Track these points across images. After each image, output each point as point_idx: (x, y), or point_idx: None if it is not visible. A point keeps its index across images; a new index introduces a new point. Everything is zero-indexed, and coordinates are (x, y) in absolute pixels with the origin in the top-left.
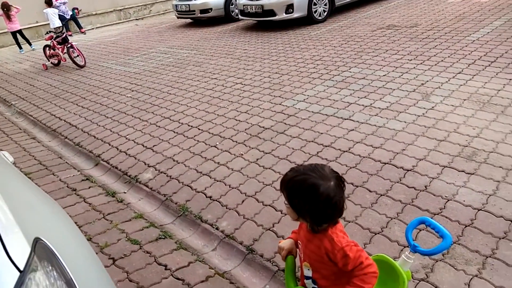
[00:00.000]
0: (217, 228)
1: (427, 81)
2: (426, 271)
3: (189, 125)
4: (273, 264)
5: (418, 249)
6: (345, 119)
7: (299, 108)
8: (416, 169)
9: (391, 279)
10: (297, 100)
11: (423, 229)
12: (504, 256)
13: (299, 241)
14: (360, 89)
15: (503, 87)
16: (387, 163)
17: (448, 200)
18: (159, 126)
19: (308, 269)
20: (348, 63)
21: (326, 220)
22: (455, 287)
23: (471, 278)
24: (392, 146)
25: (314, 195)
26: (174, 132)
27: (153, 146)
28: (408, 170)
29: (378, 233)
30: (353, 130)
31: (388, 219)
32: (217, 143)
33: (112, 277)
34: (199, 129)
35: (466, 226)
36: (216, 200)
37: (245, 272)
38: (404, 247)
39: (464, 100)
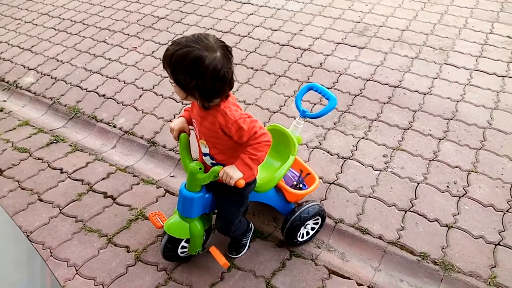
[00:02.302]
0: (114, 126)
1: None
2: (319, 139)
3: (71, 20)
4: (177, 152)
5: (307, 114)
6: (244, 3)
7: None
8: (312, 48)
9: (283, 145)
10: None
11: (317, 103)
12: (387, 118)
13: (193, 119)
14: None
15: None
16: (286, 45)
17: (341, 74)
18: (36, 24)
19: (205, 146)
20: None
21: (216, 94)
22: (344, 150)
23: (359, 140)
24: (290, 28)
25: (199, 69)
26: (54, 29)
27: (32, 46)
28: (305, 50)
29: (277, 112)
30: (252, 14)
31: (286, 98)
32: (107, 37)
33: (2, 188)
34: (84, 23)
35: (355, 96)
36: (110, 98)
37: (149, 164)
38: None
39: None
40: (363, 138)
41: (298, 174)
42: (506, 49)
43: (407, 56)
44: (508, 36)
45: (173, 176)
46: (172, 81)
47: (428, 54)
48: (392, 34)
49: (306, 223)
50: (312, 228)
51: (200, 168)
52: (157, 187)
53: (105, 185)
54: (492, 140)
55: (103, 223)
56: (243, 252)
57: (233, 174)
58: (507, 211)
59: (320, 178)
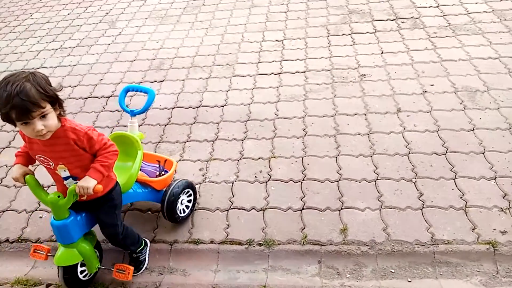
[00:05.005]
0: None
1: (111, 9)
2: None
3: None
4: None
5: (135, 112)
6: (37, 68)
7: None
8: (116, 93)
9: (129, 146)
10: None
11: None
12: (196, 136)
13: (37, 155)
14: (47, 33)
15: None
16: (89, 97)
17: (145, 115)
18: None
19: (65, 170)
20: (27, 10)
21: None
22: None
23: (176, 163)
24: (90, 80)
25: (49, 82)
26: None
27: None
28: (109, 97)
29: None
30: (48, 76)
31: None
32: None
33: None
34: None
35: (165, 125)
36: None
37: None
38: None
39: (146, 19)
40: (180, 160)
41: (157, 165)
42: (277, 51)
43: (201, 78)
44: (276, 40)
45: None
46: (44, 111)
47: (219, 71)
48: (185, 62)
49: (179, 197)
50: (189, 201)
51: (58, 196)
52: None
53: None
54: (281, 128)
55: None
56: (143, 268)
57: (88, 184)
58: (303, 179)
59: (148, 210)
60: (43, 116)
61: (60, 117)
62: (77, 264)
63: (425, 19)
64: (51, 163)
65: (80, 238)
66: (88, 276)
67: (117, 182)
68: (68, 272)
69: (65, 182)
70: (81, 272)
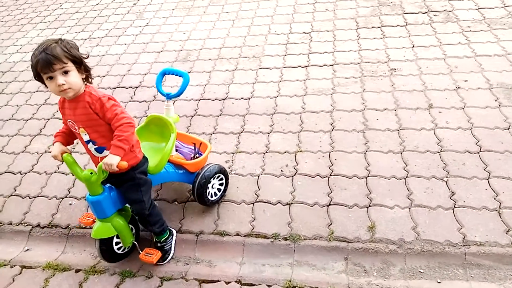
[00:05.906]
0: None
1: (138, 0)
2: None
3: None
4: (26, 225)
5: (171, 95)
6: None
7: (13, 61)
8: (143, 84)
9: (165, 128)
10: (10, 53)
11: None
12: (223, 128)
13: (68, 120)
14: (76, 23)
15: None
16: (117, 87)
17: (175, 101)
18: None
19: (85, 134)
20: (57, 0)
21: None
22: None
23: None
24: (118, 70)
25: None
26: None
27: None
28: (137, 87)
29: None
30: None
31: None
32: None
33: None
34: None
35: (192, 117)
36: None
37: None
38: None
39: (173, 10)
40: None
41: (193, 147)
42: (304, 43)
43: (228, 70)
44: (303, 32)
45: (27, 250)
46: (66, 66)
47: (245, 63)
48: (212, 54)
49: (211, 181)
50: (219, 189)
51: (91, 173)
52: (11, 267)
53: None
54: (308, 121)
55: None
56: (168, 258)
57: (112, 161)
58: (330, 175)
59: (175, 200)
60: (65, 73)
61: (85, 82)
62: (113, 237)
63: (458, 12)
64: (76, 127)
65: (114, 213)
66: (123, 250)
67: (143, 161)
68: (105, 244)
69: (88, 146)
70: (116, 244)
